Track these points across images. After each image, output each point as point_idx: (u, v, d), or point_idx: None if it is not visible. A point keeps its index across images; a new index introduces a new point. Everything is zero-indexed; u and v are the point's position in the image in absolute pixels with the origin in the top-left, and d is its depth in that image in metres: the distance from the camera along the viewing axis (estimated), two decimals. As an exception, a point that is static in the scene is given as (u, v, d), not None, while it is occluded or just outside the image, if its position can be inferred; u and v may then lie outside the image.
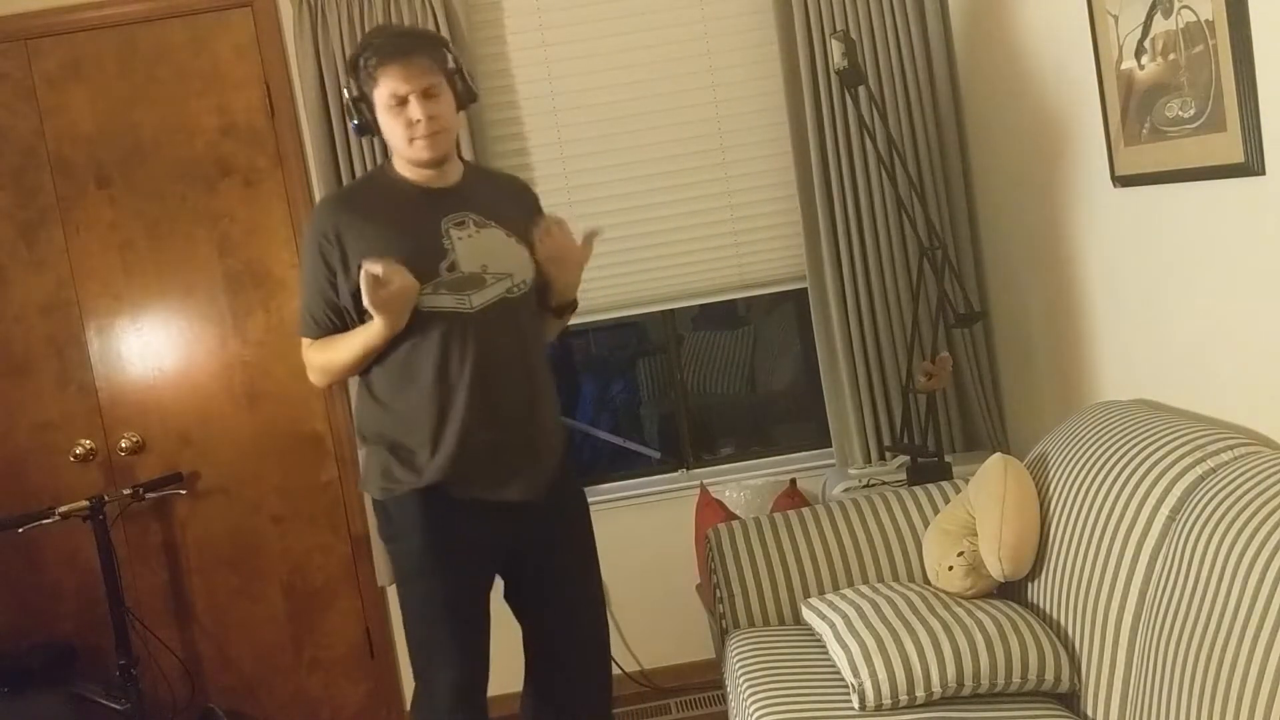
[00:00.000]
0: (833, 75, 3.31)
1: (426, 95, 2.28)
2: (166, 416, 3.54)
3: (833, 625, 2.28)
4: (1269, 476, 1.69)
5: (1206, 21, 2.00)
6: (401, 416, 2.35)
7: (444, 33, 3.28)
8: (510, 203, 2.49)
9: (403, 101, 2.28)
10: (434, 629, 2.38)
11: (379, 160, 3.29)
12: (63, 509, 3.19)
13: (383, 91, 2.28)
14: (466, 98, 2.41)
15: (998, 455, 2.39)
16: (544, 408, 2.44)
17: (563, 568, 2.52)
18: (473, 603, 2.40)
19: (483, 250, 2.37)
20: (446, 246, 2.33)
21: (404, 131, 2.30)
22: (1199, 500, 1.79)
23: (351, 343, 2.33)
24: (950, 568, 2.36)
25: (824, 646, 2.37)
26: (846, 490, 3.19)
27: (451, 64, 2.37)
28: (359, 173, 3.32)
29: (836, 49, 2.95)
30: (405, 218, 2.34)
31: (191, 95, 3.46)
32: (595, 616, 2.57)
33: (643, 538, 3.60)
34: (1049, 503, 2.27)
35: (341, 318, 2.37)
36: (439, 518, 2.34)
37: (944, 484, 2.77)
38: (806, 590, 2.63)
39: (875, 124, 3.35)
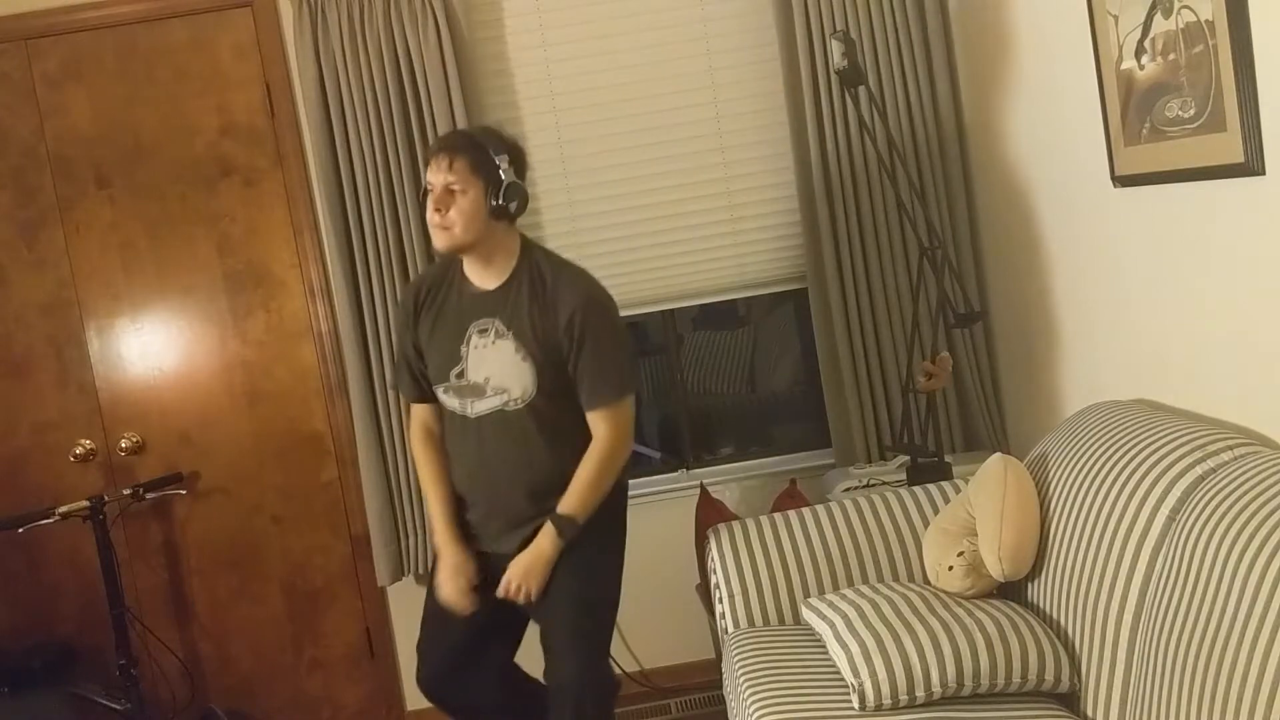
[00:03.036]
0: (833, 75, 3.31)
1: (448, 192, 2.44)
2: (166, 416, 3.54)
3: (833, 625, 2.28)
4: (1269, 476, 1.69)
5: (1206, 21, 2.00)
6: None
7: (444, 33, 3.28)
8: (542, 313, 2.51)
9: (431, 191, 2.48)
10: None
11: (379, 168, 3.33)
12: (63, 509, 3.19)
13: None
14: (497, 212, 2.47)
15: (998, 455, 2.39)
16: (535, 496, 2.57)
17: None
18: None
19: (490, 363, 2.53)
20: (463, 353, 2.54)
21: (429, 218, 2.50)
22: (1199, 500, 1.79)
23: (426, 490, 2.71)
24: (950, 568, 2.36)
25: (824, 646, 2.37)
26: (846, 490, 3.18)
27: (496, 172, 2.46)
28: (359, 174, 3.33)
29: (836, 49, 2.95)
30: (447, 318, 2.59)
31: (191, 95, 3.46)
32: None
33: (642, 538, 3.57)
34: (1049, 503, 2.27)
35: (419, 364, 2.66)
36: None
37: (944, 484, 2.77)
38: (806, 590, 2.63)
39: (875, 124, 3.35)
